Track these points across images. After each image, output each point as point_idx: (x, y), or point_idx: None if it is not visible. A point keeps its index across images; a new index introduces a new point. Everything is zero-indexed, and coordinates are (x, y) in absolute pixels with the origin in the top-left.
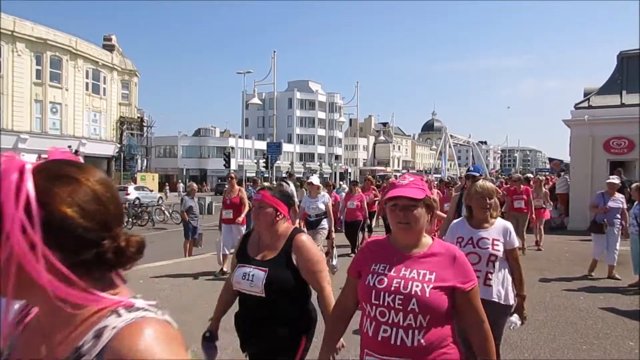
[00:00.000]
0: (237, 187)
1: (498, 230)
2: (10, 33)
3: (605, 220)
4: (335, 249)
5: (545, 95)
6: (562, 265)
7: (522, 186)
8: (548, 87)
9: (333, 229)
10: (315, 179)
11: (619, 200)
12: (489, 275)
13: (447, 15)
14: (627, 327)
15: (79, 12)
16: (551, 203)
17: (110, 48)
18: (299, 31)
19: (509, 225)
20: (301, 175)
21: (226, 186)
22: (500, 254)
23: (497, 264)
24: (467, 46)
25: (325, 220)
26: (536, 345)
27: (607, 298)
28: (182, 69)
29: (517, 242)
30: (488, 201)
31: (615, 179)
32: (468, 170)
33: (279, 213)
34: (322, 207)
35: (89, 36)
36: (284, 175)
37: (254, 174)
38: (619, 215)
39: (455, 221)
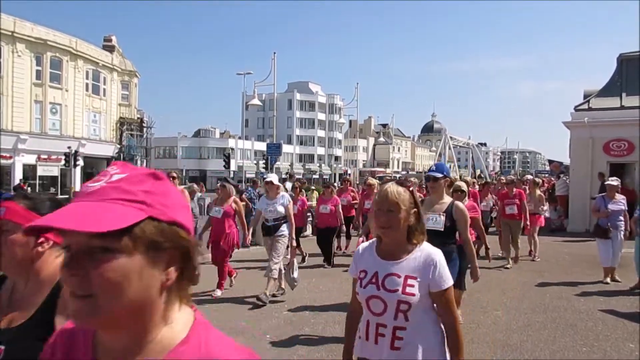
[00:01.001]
0: (179, 187)
1: (416, 263)
2: (10, 34)
3: (609, 224)
4: (296, 258)
5: (545, 97)
6: (562, 267)
7: (514, 189)
8: (548, 88)
9: (294, 235)
10: (273, 178)
11: (620, 203)
12: (398, 332)
13: (446, 16)
14: (627, 330)
15: (79, 13)
16: (544, 208)
17: (110, 49)
18: (298, 32)
19: (436, 255)
20: (301, 177)
21: None
22: (415, 299)
23: (413, 315)
24: (466, 47)
25: (285, 225)
26: (536, 347)
27: (607, 300)
28: (182, 69)
29: (448, 281)
30: (389, 217)
31: (614, 181)
32: (429, 169)
33: (41, 241)
34: (281, 209)
35: (89, 37)
36: (284, 176)
37: (253, 175)
38: (621, 218)
39: (363, 244)
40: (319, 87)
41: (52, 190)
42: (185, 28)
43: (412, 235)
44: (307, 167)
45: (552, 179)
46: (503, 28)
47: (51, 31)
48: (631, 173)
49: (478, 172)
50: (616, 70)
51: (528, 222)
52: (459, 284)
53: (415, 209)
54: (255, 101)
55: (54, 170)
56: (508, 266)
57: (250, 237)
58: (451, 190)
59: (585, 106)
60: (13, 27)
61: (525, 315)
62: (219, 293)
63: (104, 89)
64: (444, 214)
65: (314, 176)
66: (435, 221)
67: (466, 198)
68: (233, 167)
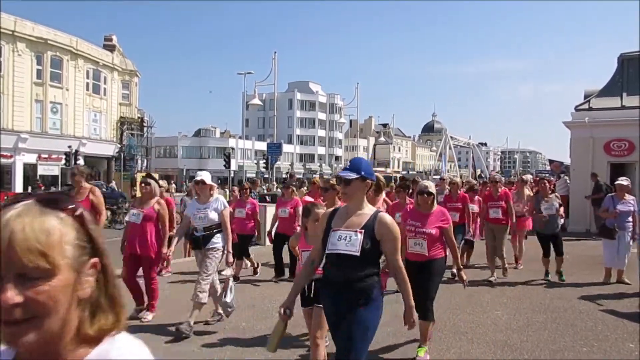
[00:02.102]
0: (86, 186)
1: None
2: (11, 33)
3: (615, 224)
4: (232, 279)
5: (545, 97)
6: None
7: (499, 189)
8: (548, 88)
9: (230, 248)
10: (205, 176)
11: (629, 203)
12: None
13: (447, 17)
14: (627, 330)
15: (80, 12)
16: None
17: (110, 48)
18: (299, 32)
19: None
20: (301, 176)
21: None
22: None
23: None
24: (466, 48)
25: (219, 235)
26: (536, 347)
27: (607, 300)
28: (182, 69)
29: None
30: (26, 296)
31: (623, 180)
32: (345, 168)
33: None
34: (215, 216)
35: (89, 36)
36: (284, 176)
37: (254, 175)
38: (630, 219)
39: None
40: (319, 86)
41: (53, 189)
42: (185, 28)
43: (89, 320)
44: (307, 166)
45: (553, 178)
46: (503, 29)
47: (52, 30)
48: (631, 173)
49: (479, 172)
50: (617, 70)
51: (514, 228)
52: (424, 314)
53: (86, 257)
54: (256, 101)
55: (55, 170)
56: (491, 279)
57: (171, 250)
58: (416, 192)
59: (586, 106)
60: (14, 27)
61: (526, 315)
62: (149, 317)
63: (105, 89)
64: (362, 231)
65: (315, 176)
66: (349, 241)
67: (435, 203)
68: (233, 166)
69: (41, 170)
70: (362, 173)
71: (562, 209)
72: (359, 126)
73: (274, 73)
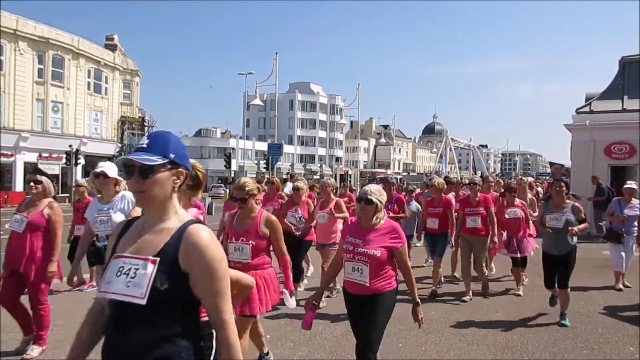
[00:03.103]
0: None
1: None
2: (12, 32)
3: (622, 229)
4: None
5: (546, 99)
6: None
7: (478, 194)
8: (549, 88)
9: None
10: (108, 167)
11: (636, 207)
12: None
13: (448, 17)
14: (628, 333)
15: (82, 12)
16: (533, 214)
17: (112, 48)
18: (300, 32)
19: None
20: (301, 177)
21: None
22: None
23: None
24: (467, 49)
25: None
26: (536, 349)
27: (607, 303)
28: (183, 69)
29: None
30: None
31: (633, 184)
32: (139, 148)
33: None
34: (121, 219)
35: (91, 35)
36: (284, 176)
37: (254, 175)
38: (636, 223)
39: None
40: (320, 87)
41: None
42: (187, 28)
43: None
44: (308, 167)
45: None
46: (504, 30)
47: (53, 29)
48: (632, 176)
49: (479, 174)
50: (618, 73)
51: (496, 240)
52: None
53: None
54: (257, 101)
55: (55, 169)
56: (466, 299)
57: (54, 267)
58: (355, 200)
59: (587, 109)
60: (15, 26)
61: (526, 317)
62: (36, 352)
63: (106, 88)
64: (155, 260)
65: (315, 176)
66: (132, 278)
67: (381, 214)
68: (234, 167)
69: (42, 169)
70: (172, 156)
71: (582, 225)
72: (360, 127)
73: (275, 74)
